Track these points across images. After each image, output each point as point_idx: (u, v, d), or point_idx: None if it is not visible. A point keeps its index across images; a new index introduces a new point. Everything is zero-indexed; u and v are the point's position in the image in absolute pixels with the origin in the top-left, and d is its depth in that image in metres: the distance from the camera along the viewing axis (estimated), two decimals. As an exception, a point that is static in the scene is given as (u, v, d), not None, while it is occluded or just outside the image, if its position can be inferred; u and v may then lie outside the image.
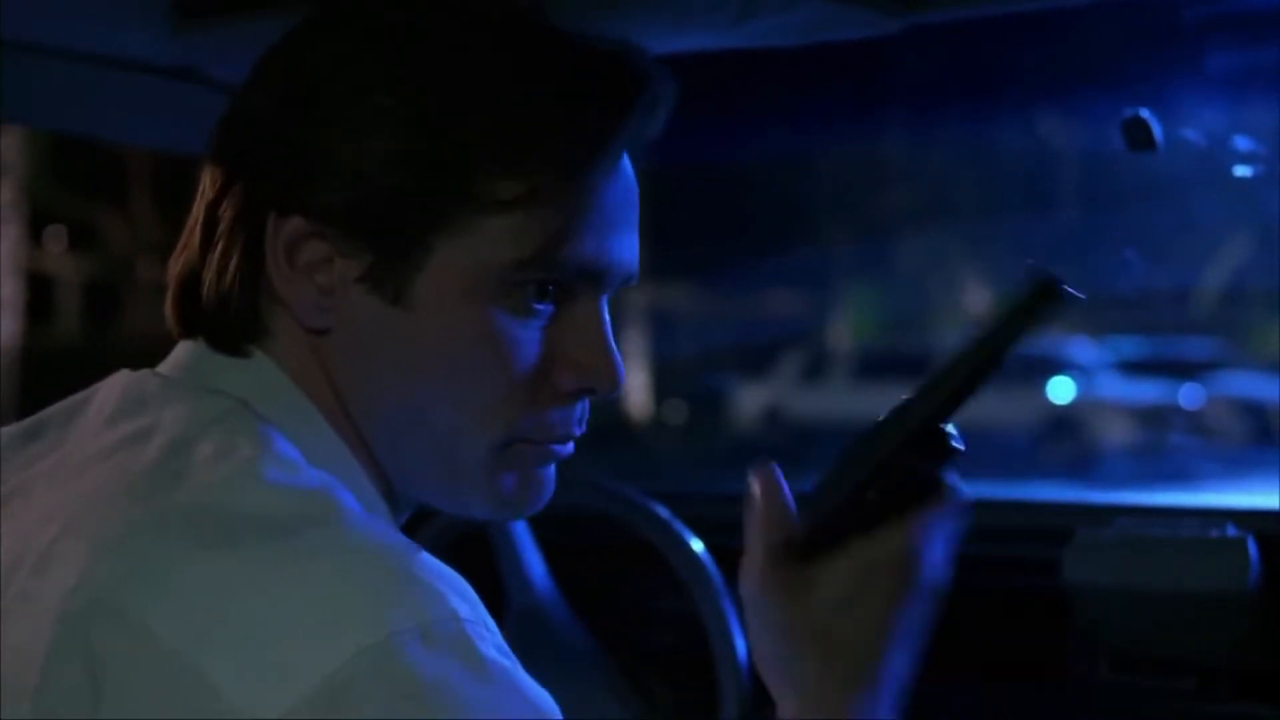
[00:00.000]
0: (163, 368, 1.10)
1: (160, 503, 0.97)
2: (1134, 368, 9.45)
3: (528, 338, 1.06)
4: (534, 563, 1.93)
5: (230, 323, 1.06)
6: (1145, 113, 1.76)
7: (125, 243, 14.47)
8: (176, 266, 1.09)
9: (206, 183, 1.08)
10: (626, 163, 1.10)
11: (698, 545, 1.77)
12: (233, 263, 1.05)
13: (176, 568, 0.92)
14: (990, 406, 9.61)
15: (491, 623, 0.94)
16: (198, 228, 1.08)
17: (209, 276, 1.06)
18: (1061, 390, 9.59)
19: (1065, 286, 0.99)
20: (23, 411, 1.21)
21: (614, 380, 1.09)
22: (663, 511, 1.80)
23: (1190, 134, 1.96)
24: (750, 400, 10.16)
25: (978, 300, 10.10)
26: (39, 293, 13.58)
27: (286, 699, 0.86)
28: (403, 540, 0.98)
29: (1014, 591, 1.94)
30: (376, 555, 0.94)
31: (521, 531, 1.92)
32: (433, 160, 1.03)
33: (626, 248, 1.10)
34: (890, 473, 1.08)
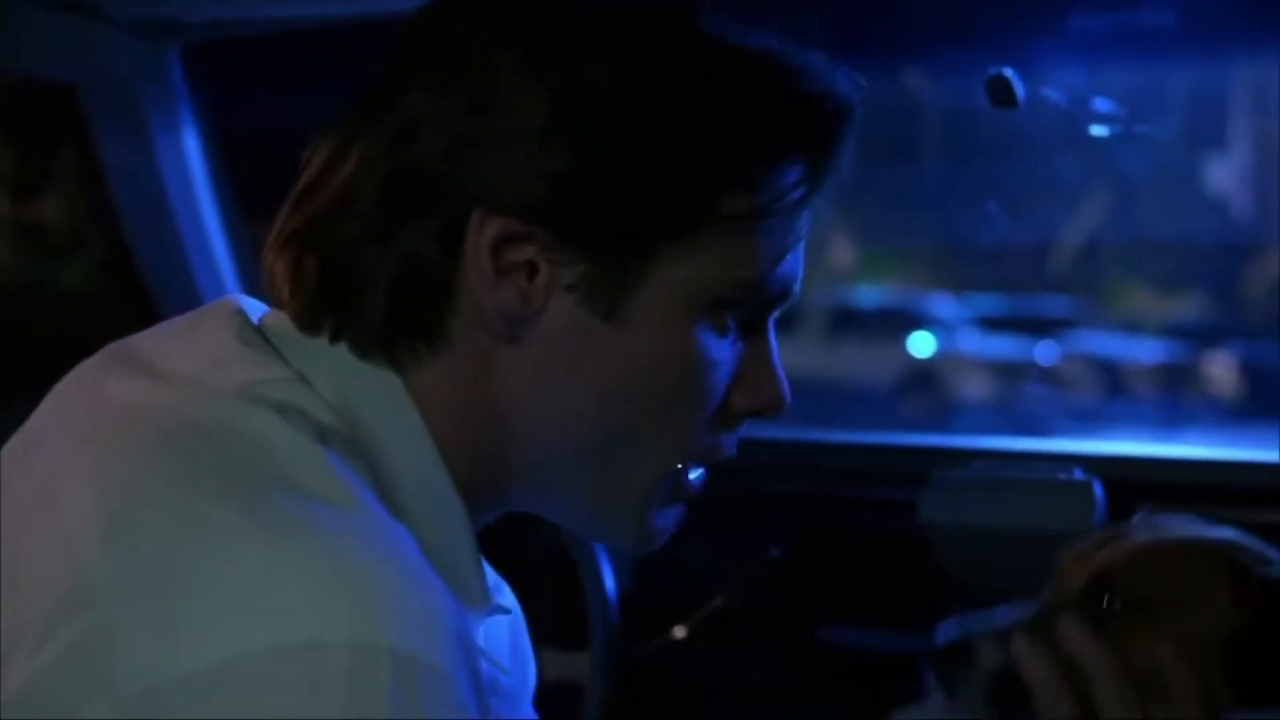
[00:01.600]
0: (275, 335, 1.00)
1: (161, 432, 0.91)
2: (993, 324, 9.60)
3: (726, 360, 1.02)
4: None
5: (395, 327, 0.98)
6: (1008, 71, 1.82)
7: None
8: (313, 258, 0.99)
9: (359, 167, 0.98)
10: None
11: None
12: (426, 262, 0.96)
13: (144, 508, 0.87)
14: (853, 360, 9.72)
15: (456, 674, 0.85)
16: (357, 215, 0.97)
17: (380, 273, 0.97)
18: (922, 345, 9.72)
19: None
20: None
21: (783, 401, 1.06)
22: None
23: (1051, 92, 2.02)
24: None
25: (843, 253, 10.20)
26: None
27: (170, 668, 0.81)
28: (401, 545, 0.89)
29: (875, 532, 2.00)
30: (363, 559, 0.86)
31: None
32: (673, 167, 0.97)
33: (800, 272, 1.06)
34: None
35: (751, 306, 1.02)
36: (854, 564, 2.00)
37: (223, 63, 2.11)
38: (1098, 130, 2.07)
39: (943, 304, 9.82)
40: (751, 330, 1.04)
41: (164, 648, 0.82)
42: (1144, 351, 8.83)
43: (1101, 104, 2.13)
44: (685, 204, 0.97)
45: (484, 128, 0.96)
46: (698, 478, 1.06)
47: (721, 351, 1.02)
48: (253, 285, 2.24)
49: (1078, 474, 1.80)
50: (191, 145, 2.11)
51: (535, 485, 1.04)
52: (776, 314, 1.06)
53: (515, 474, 1.03)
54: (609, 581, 1.82)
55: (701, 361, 1.00)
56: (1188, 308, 9.20)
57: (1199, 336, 8.42)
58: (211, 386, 0.95)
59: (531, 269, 0.97)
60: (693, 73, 0.99)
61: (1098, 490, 1.77)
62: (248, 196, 2.26)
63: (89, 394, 1.00)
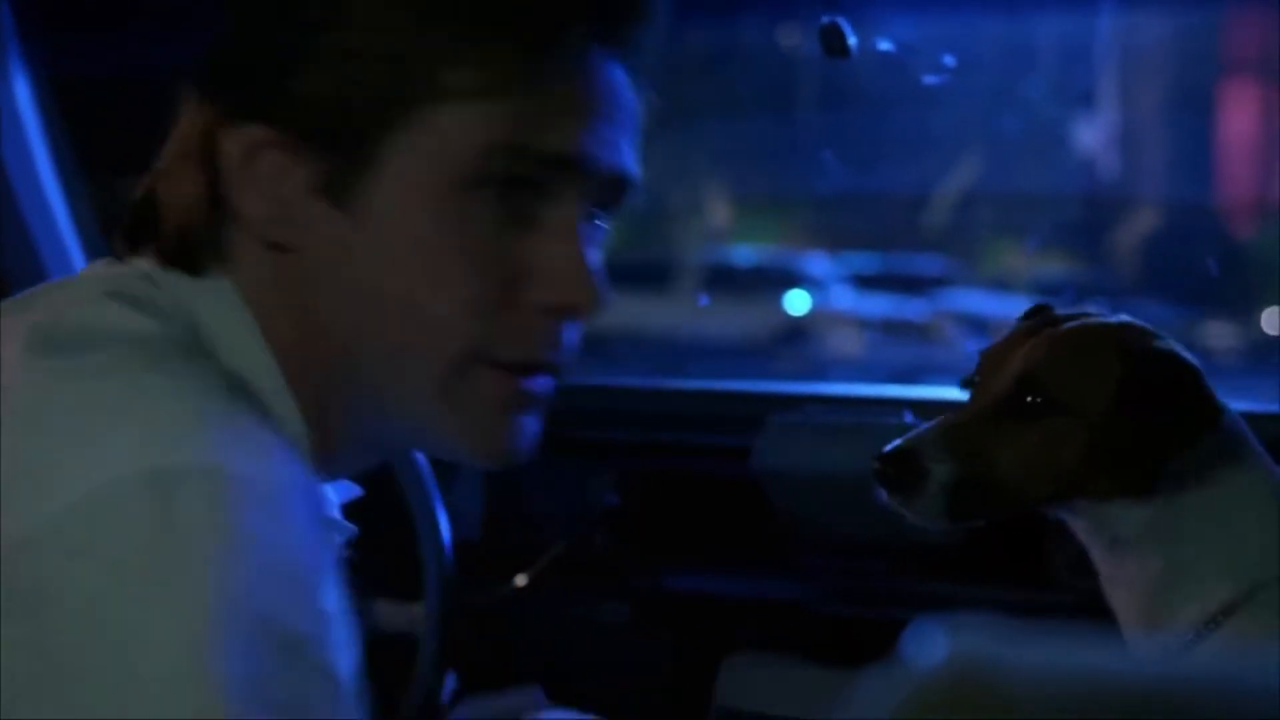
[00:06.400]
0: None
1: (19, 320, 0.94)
2: (867, 281, 9.70)
3: (491, 244, 0.99)
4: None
5: (188, 242, 1.00)
6: (841, 20, 1.83)
7: None
8: (139, 190, 1.05)
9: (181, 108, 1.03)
10: (617, 62, 1.03)
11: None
12: (191, 179, 1.00)
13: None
14: (730, 317, 9.77)
15: (291, 479, 0.89)
16: (165, 150, 1.03)
17: (170, 199, 1.01)
18: (798, 302, 9.80)
19: None
20: None
21: (593, 295, 1.01)
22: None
23: (881, 42, 2.03)
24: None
25: (718, 211, 10.23)
26: None
27: (32, 519, 0.83)
28: (240, 404, 0.93)
29: (712, 477, 2.01)
30: (195, 393, 0.90)
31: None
32: (380, 53, 0.96)
33: (608, 144, 1.02)
34: None
35: (517, 183, 0.99)
36: (692, 509, 2.01)
37: (53, 3, 2.06)
38: (930, 80, 2.09)
39: (818, 262, 9.89)
40: (550, 216, 1.01)
41: (22, 499, 0.84)
42: (1014, 308, 8.97)
43: (946, 58, 2.15)
44: (394, 90, 0.97)
45: (237, 43, 1.00)
46: (542, 385, 1.04)
47: (485, 236, 0.99)
48: (94, 245, 2.20)
49: (908, 417, 1.82)
50: (22, 93, 2.06)
51: (364, 404, 1.04)
52: (589, 199, 1.03)
53: (339, 386, 1.03)
54: (444, 529, 1.82)
55: (454, 246, 0.98)
56: (1058, 265, 9.33)
57: (1068, 293, 8.54)
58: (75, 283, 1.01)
59: (281, 174, 0.98)
60: None
61: (927, 433, 1.79)
62: (84, 148, 2.21)
63: None
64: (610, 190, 1.04)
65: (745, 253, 10.38)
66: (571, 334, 1.04)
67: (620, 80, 1.05)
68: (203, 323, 0.99)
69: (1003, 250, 9.83)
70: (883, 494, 1.47)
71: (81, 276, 1.05)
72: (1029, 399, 1.47)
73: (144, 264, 1.04)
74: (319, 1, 0.98)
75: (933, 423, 1.50)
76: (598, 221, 1.06)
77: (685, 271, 9.76)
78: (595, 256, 1.04)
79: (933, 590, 1.93)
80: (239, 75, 0.99)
